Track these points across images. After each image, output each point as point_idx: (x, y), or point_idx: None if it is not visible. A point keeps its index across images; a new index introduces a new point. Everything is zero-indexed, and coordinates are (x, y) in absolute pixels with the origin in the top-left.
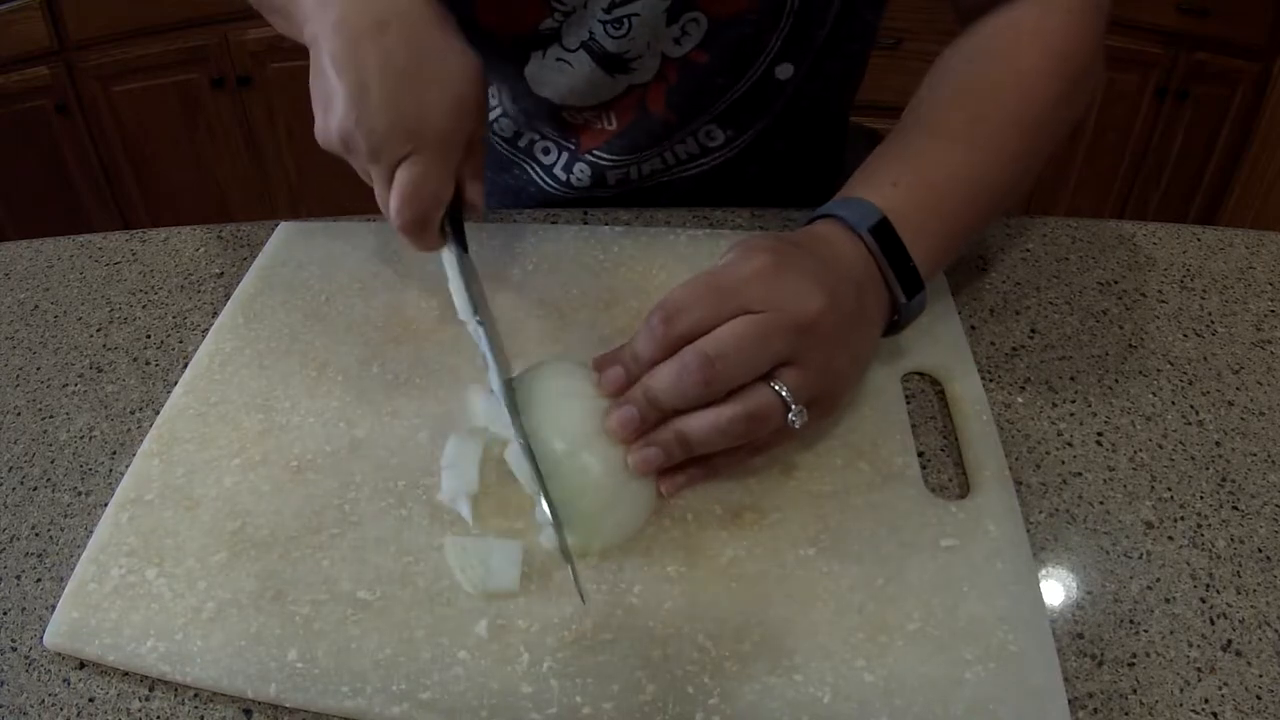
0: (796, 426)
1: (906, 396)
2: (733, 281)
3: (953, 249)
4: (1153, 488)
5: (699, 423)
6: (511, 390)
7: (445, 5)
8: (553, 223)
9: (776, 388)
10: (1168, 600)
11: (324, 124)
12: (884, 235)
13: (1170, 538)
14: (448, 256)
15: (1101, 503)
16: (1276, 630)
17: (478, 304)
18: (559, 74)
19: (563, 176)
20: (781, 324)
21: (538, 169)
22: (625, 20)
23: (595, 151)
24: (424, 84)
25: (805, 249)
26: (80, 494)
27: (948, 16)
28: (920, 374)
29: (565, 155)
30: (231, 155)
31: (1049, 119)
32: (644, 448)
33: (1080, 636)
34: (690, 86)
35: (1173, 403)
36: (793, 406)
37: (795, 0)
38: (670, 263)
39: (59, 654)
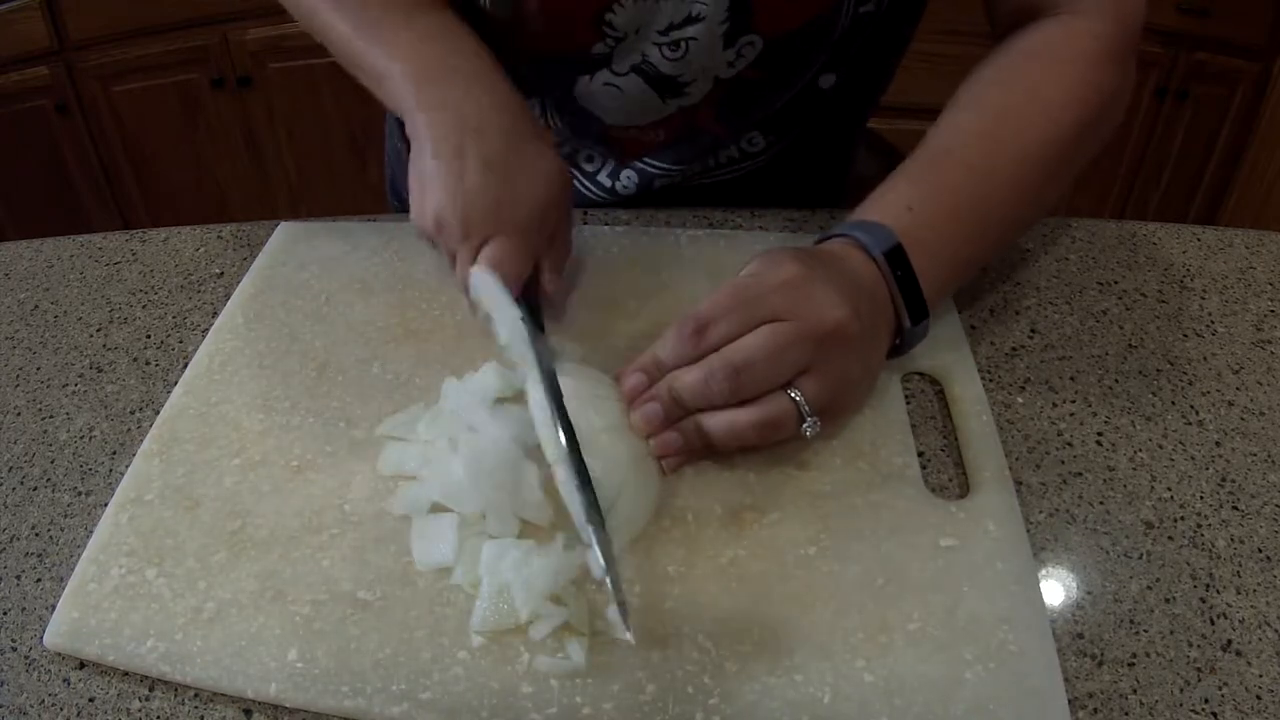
0: (808, 436)
1: (906, 396)
2: (761, 291)
3: (960, 278)
4: (1153, 488)
5: (719, 422)
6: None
7: (489, 30)
8: None
9: (794, 396)
10: (1168, 600)
11: (419, 206)
12: (897, 261)
13: (1170, 538)
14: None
15: (1101, 503)
16: (1276, 630)
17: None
18: (607, 97)
19: (608, 184)
20: (806, 333)
21: (579, 176)
22: (682, 43)
23: (645, 158)
24: (515, 178)
25: (826, 262)
26: (80, 494)
27: (950, 16)
28: (920, 374)
29: (611, 163)
30: (231, 155)
31: (1071, 152)
32: (666, 432)
33: (1080, 636)
34: (740, 102)
35: (1173, 403)
36: (808, 418)
37: (847, 18)
38: (670, 263)
39: (59, 654)
